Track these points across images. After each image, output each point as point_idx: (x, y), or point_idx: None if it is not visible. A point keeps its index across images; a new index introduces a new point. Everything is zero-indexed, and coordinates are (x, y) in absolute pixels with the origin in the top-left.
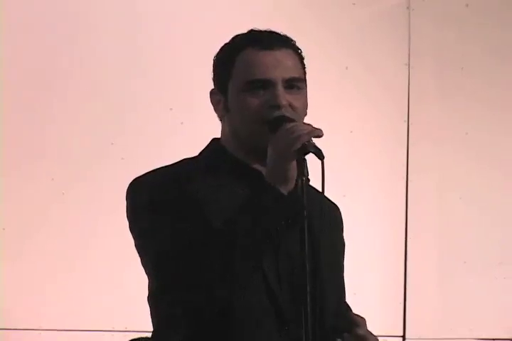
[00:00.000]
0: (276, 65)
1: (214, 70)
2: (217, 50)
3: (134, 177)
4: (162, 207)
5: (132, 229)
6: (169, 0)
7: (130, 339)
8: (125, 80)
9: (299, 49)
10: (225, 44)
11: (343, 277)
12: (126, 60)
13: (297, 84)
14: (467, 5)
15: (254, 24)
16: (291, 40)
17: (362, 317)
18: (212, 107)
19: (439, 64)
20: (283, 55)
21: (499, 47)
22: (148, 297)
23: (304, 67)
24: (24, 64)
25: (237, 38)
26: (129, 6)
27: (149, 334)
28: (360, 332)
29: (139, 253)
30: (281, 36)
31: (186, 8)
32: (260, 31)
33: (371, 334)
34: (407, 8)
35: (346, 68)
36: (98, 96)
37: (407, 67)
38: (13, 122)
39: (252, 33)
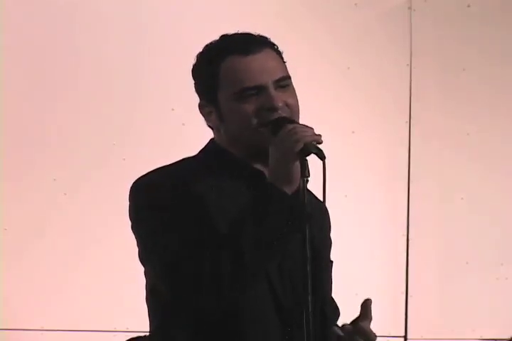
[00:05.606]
0: (262, 69)
1: (197, 82)
2: (194, 61)
3: (137, 178)
4: (166, 207)
5: (135, 229)
6: (172, 1)
7: (129, 338)
8: (127, 81)
9: (275, 45)
10: (201, 54)
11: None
12: (128, 60)
13: (285, 82)
14: (468, 5)
15: (257, 26)
16: (266, 38)
17: (371, 315)
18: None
19: (440, 64)
20: (265, 57)
21: (501, 48)
22: (146, 296)
23: (284, 62)
24: (26, 64)
25: (212, 47)
26: (132, 7)
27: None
28: (365, 326)
29: (142, 252)
30: (256, 37)
31: (189, 9)
32: (233, 36)
33: (373, 332)
34: (409, 8)
35: (348, 68)
36: (100, 96)
37: (409, 67)
38: (14, 123)
39: (226, 39)
